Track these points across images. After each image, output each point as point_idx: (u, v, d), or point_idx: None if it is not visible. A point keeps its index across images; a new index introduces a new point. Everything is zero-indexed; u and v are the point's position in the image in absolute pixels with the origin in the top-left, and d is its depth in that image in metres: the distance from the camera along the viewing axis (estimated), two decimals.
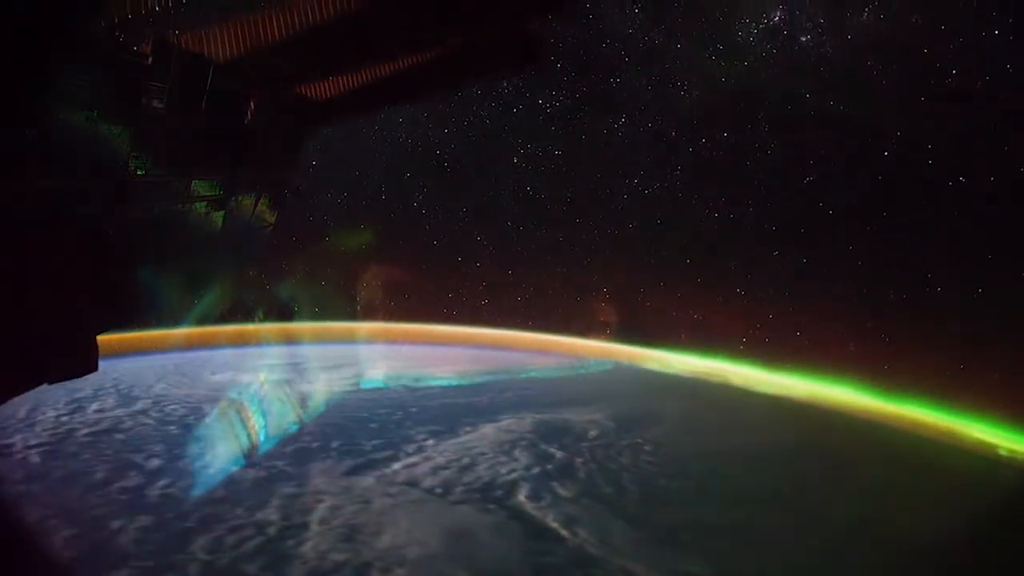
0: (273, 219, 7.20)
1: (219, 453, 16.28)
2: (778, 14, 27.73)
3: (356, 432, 18.81)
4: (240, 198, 5.95)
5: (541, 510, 13.28)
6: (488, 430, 19.69)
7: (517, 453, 17.28)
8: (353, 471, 15.06)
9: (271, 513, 12.12)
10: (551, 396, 25.06)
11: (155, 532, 11.03)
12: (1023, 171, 25.48)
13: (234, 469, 14.95)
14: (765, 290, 32.75)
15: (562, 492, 14.44)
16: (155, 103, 4.04)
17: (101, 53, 3.50)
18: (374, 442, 17.79)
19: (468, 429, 19.69)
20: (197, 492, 13.17)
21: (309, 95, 5.96)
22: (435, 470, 15.43)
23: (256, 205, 6.55)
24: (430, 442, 17.87)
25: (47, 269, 3.00)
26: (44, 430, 17.06)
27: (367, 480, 14.46)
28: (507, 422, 20.77)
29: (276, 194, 7.11)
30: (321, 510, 12.49)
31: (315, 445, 17.12)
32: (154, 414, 19.84)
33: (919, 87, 26.69)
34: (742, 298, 33.47)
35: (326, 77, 5.81)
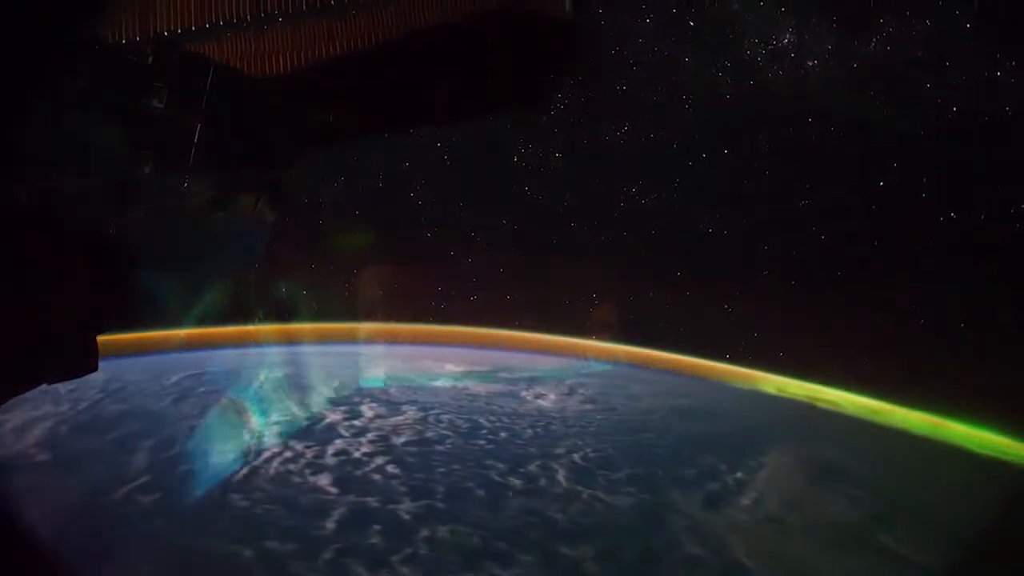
0: (273, 219, 7.16)
1: None
2: (787, 36, 28.61)
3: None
4: (240, 198, 5.93)
5: None
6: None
7: None
8: None
9: None
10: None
11: None
12: (1012, 212, 26.54)
13: None
14: (750, 308, 33.12)
15: None
16: (155, 103, 4.03)
17: (101, 53, 3.49)
18: None
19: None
20: None
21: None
22: None
23: (256, 205, 6.53)
24: None
25: (47, 269, 2.99)
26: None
27: None
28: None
29: (276, 194, 7.08)
30: None
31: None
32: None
33: (919, 121, 27.74)
34: (727, 314, 33.98)
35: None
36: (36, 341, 2.91)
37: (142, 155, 4.09)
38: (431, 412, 23.07)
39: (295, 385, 24.73)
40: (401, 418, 21.77)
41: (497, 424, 22.39)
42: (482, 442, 19.85)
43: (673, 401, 28.17)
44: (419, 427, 20.92)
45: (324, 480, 15.69)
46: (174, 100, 4.23)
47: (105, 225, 3.84)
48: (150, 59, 3.97)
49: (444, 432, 20.59)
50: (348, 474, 16.22)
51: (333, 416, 21.80)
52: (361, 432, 20.37)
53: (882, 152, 28.46)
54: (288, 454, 17.76)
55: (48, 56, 3.07)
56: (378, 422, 21.29)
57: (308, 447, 18.54)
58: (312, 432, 20.17)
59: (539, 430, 22.33)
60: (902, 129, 27.40)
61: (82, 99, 3.32)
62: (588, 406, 27.42)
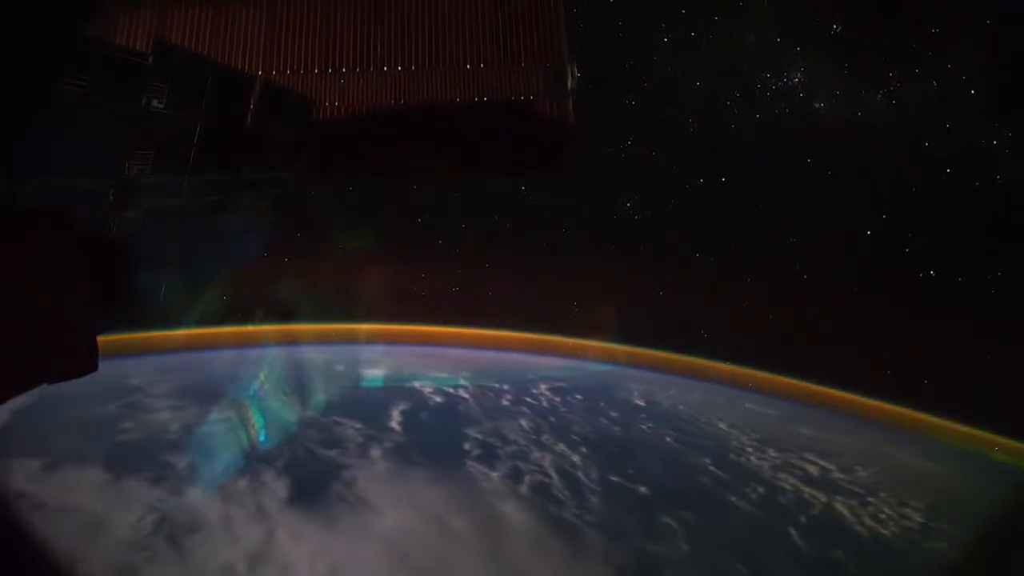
0: (273, 219, 7.19)
1: None
2: (798, 76, 28.52)
3: None
4: (240, 198, 5.95)
5: None
6: None
7: None
8: None
9: None
10: None
11: None
12: (988, 278, 27.10)
13: None
14: (726, 338, 33.55)
15: None
16: (155, 103, 4.04)
17: (101, 53, 3.50)
18: None
19: None
20: None
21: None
22: None
23: (256, 205, 6.55)
24: None
25: (47, 269, 3.00)
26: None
27: None
28: None
29: (276, 194, 7.10)
30: None
31: None
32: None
33: (914, 176, 28.21)
34: (702, 339, 34.54)
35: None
36: (36, 341, 2.91)
37: (142, 155, 4.10)
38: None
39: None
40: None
41: None
42: None
43: None
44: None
45: None
46: (174, 100, 4.24)
47: (105, 225, 3.85)
48: (150, 59, 3.98)
49: None
50: None
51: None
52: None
53: (873, 201, 29.55)
54: None
55: (48, 57, 3.08)
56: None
57: None
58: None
59: None
60: (895, 182, 28.58)
61: (82, 99, 3.33)
62: None
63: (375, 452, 19.10)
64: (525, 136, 6.68)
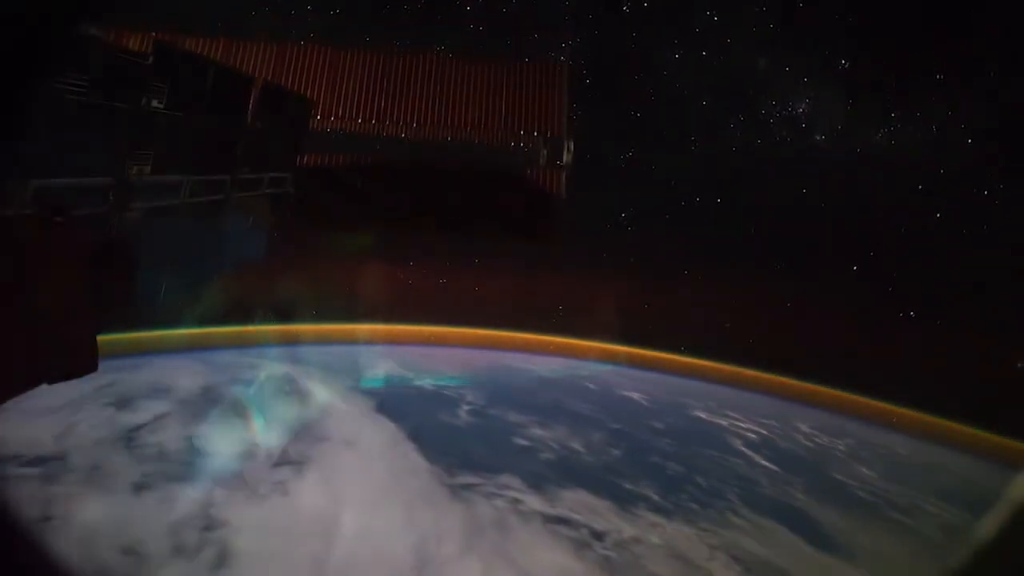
0: (273, 219, 7.19)
1: None
2: (803, 107, 29.17)
3: None
4: (240, 198, 5.95)
5: None
6: None
7: None
8: None
9: None
10: None
11: None
12: (962, 320, 27.49)
13: None
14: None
15: None
16: (155, 103, 4.04)
17: (101, 53, 3.50)
18: None
19: None
20: None
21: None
22: None
23: (256, 205, 6.55)
24: None
25: (47, 269, 2.99)
26: None
27: None
28: None
29: (276, 193, 7.11)
30: None
31: None
32: None
33: (905, 220, 28.99)
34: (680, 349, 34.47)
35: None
36: (36, 341, 2.91)
37: (142, 155, 4.10)
38: None
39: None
40: None
41: None
42: None
43: None
44: None
45: None
46: (174, 100, 4.24)
47: (105, 225, 3.85)
48: (150, 59, 3.98)
49: None
50: None
51: None
52: None
53: (861, 237, 29.54)
54: None
55: (48, 57, 3.08)
56: None
57: None
58: None
59: None
60: (885, 220, 29.03)
61: (82, 99, 3.33)
62: None
63: None
64: (518, 206, 7.15)
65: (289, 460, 17.41)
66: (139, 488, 14.81)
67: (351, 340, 32.79)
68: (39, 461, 15.12)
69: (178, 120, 4.35)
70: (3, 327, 2.74)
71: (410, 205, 7.14)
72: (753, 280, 31.96)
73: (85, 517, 13.21)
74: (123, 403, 20.24)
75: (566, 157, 6.94)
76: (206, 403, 21.24)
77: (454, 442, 20.86)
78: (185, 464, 16.44)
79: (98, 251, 3.65)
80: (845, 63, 27.41)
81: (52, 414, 17.66)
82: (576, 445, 22.31)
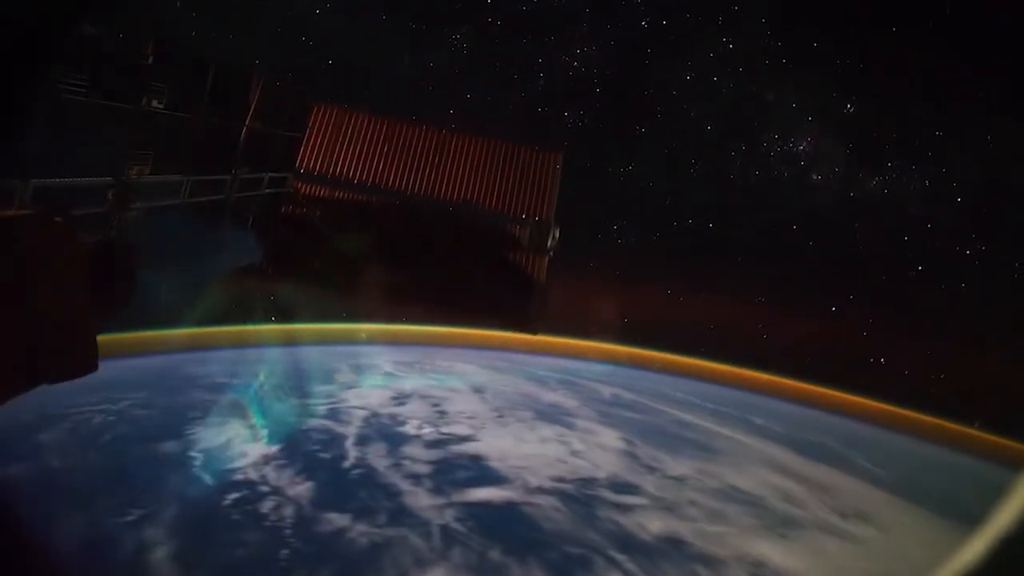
0: (276, 219, 7.19)
1: None
2: (804, 145, 29.23)
3: None
4: (240, 197, 5.94)
5: None
6: None
7: None
8: None
9: None
10: None
11: None
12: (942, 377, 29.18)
13: None
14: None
15: None
16: (155, 103, 4.03)
17: (101, 53, 3.49)
18: None
19: None
20: None
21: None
22: None
23: (257, 204, 6.54)
24: None
25: (47, 269, 2.99)
26: None
27: None
28: None
29: (278, 193, 7.10)
30: None
31: None
32: None
33: (888, 267, 30.05)
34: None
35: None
36: (36, 341, 2.91)
37: (142, 155, 4.09)
38: None
39: None
40: None
41: None
42: None
43: None
44: None
45: None
46: (174, 100, 4.24)
47: (105, 225, 3.84)
48: (150, 59, 3.97)
49: None
50: None
51: None
52: None
53: (846, 281, 30.44)
54: None
55: (48, 57, 3.08)
56: None
57: None
58: None
59: None
60: (872, 266, 29.84)
61: (82, 99, 3.32)
62: None
63: None
64: (501, 290, 7.37)
65: None
66: None
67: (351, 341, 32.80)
68: None
69: (178, 120, 4.35)
70: (3, 327, 2.74)
71: (389, 250, 7.50)
72: (729, 307, 32.92)
73: None
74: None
75: (551, 243, 7.16)
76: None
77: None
78: None
79: (98, 251, 3.65)
80: (850, 108, 27.78)
81: None
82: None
